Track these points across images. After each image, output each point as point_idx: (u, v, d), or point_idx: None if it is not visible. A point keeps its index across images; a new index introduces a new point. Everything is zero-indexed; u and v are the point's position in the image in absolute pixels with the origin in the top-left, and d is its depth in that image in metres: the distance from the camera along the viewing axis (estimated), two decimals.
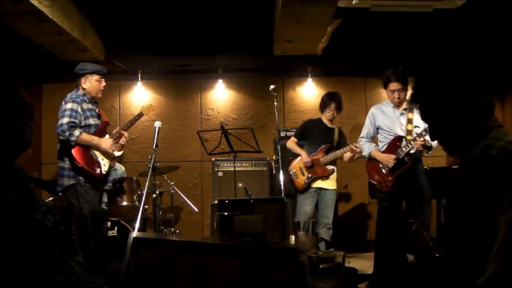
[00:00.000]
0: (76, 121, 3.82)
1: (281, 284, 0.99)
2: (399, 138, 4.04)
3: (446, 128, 1.54)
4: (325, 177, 4.52)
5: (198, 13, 4.76)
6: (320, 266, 1.24)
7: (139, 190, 4.54)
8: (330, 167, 4.54)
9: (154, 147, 3.78)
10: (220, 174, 5.04)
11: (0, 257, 1.14)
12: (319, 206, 4.54)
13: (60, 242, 1.42)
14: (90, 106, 4.01)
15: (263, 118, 5.80)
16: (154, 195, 4.46)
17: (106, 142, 3.98)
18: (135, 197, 4.51)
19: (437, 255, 1.47)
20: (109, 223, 4.16)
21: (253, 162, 5.04)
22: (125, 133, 4.24)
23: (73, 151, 3.80)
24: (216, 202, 2.06)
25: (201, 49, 5.32)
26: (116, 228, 4.14)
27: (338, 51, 5.27)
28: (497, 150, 1.36)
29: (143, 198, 3.67)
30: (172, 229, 4.81)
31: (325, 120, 4.67)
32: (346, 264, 1.28)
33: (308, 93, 5.80)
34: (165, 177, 4.99)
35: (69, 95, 3.93)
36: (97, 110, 4.11)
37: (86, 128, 3.92)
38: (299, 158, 4.57)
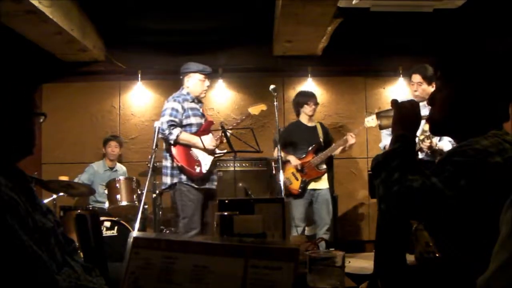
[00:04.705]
0: (176, 119, 3.82)
1: (281, 284, 0.99)
2: None
3: (448, 121, 1.46)
4: (318, 177, 4.51)
5: (198, 13, 4.76)
6: (320, 266, 1.24)
7: (139, 190, 4.54)
8: (322, 167, 4.53)
9: (154, 147, 3.79)
10: (220, 174, 5.03)
11: (3, 257, 1.15)
12: (314, 207, 4.53)
13: (60, 243, 1.42)
14: (193, 105, 3.97)
15: (263, 118, 5.79)
16: (154, 195, 4.47)
17: (206, 140, 3.90)
18: (135, 197, 4.52)
19: (437, 255, 1.46)
20: (109, 223, 4.16)
21: (253, 162, 5.04)
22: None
23: (173, 150, 3.81)
24: (216, 202, 2.05)
25: (201, 49, 5.32)
26: (116, 228, 4.15)
27: (338, 51, 5.28)
28: (464, 157, 1.27)
29: (143, 198, 3.67)
30: (172, 229, 4.81)
31: (304, 120, 4.67)
32: (346, 264, 1.28)
33: None
34: None
35: (172, 95, 3.93)
36: (201, 110, 4.06)
37: (187, 127, 3.90)
38: (288, 163, 4.51)
